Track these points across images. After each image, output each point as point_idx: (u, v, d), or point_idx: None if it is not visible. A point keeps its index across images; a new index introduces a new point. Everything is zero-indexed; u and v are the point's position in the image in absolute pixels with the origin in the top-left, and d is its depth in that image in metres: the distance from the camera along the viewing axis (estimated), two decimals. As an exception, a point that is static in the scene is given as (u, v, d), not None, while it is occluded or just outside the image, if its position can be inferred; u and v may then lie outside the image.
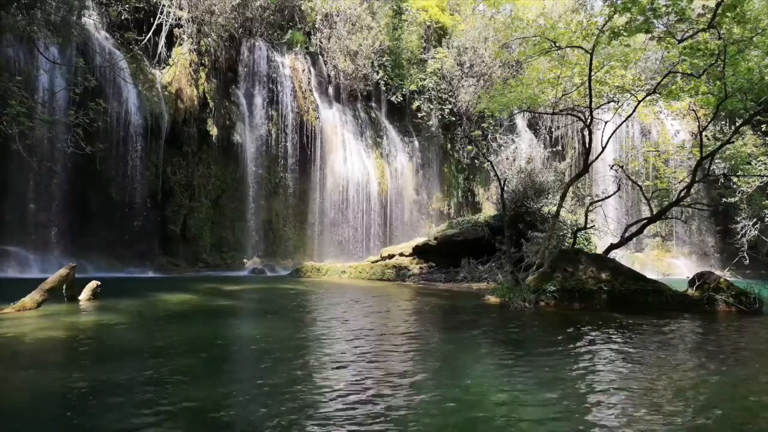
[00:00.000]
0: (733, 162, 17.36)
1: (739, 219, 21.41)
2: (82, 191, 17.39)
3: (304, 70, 23.74)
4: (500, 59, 24.53)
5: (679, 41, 10.98)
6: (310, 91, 23.73)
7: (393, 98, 25.94)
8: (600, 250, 14.00)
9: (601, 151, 13.80)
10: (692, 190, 13.70)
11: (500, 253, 16.75)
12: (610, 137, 13.57)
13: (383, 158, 25.35)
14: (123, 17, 19.08)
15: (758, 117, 13.31)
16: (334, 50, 24.20)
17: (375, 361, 5.35)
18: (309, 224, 23.37)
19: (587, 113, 12.94)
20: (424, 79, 26.14)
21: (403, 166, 25.92)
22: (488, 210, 24.66)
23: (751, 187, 18.24)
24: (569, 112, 15.57)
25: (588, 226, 14.01)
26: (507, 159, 22.13)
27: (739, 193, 18.97)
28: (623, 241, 12.81)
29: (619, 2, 10.44)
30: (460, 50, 26.32)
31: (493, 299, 10.77)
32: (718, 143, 13.75)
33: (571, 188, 16.53)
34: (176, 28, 20.31)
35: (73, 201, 17.23)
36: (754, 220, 20.66)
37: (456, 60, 26.21)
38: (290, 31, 24.13)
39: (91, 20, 18.16)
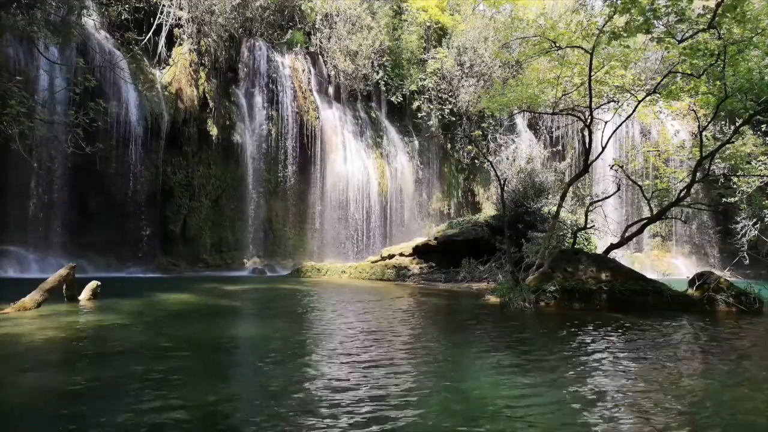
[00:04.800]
0: (733, 162, 17.33)
1: (739, 219, 21.39)
2: (82, 191, 17.37)
3: (304, 70, 23.73)
4: (500, 59, 24.50)
5: (679, 41, 10.98)
6: (310, 91, 23.72)
7: (393, 98, 25.92)
8: (600, 250, 14.00)
9: (601, 151, 13.80)
10: (692, 190, 13.69)
11: (500, 253, 16.76)
12: (610, 137, 13.57)
13: (383, 158, 25.34)
14: (123, 17, 19.05)
15: (758, 117, 13.28)
16: (334, 50, 24.19)
17: (374, 361, 5.35)
18: (309, 224, 23.36)
19: (587, 113, 12.94)
20: (424, 79, 26.12)
21: (403, 166, 25.91)
22: (488, 210, 24.64)
23: (751, 187, 18.21)
24: (569, 112, 15.56)
25: (588, 226, 14.01)
26: (507, 159, 22.16)
27: (739, 193, 18.95)
28: (623, 241, 12.81)
29: (619, 2, 10.44)
30: (460, 50, 26.29)
31: (493, 299, 10.77)
32: (718, 143, 13.75)
33: (571, 188, 16.53)
34: (176, 28, 20.30)
35: (73, 201, 17.21)
36: (754, 220, 20.64)
37: (456, 60, 26.18)
38: (290, 31, 24.12)
39: (91, 20, 18.13)
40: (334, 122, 24.15)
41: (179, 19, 20.16)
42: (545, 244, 13.14)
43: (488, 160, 16.73)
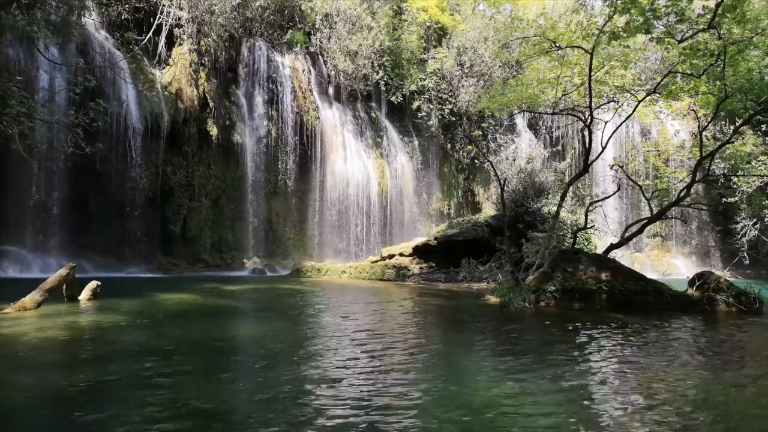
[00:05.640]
0: (733, 162, 17.33)
1: (739, 219, 21.39)
2: (82, 191, 17.37)
3: (304, 70, 23.72)
4: (500, 59, 24.49)
5: (679, 42, 10.98)
6: (310, 91, 23.72)
7: (393, 98, 25.92)
8: (600, 250, 13.99)
9: (601, 151, 13.79)
10: (692, 190, 13.68)
11: (500, 253, 16.75)
12: (610, 137, 13.56)
13: (383, 158, 25.34)
14: (123, 17, 19.05)
15: (758, 117, 13.28)
16: (334, 50, 24.19)
17: (374, 362, 5.35)
18: (309, 224, 23.36)
19: (587, 113, 12.94)
20: (424, 79, 26.12)
21: (403, 166, 25.91)
22: (488, 210, 24.63)
23: (751, 187, 18.22)
24: (569, 112, 15.56)
25: (588, 226, 14.01)
26: (507, 159, 22.13)
27: (739, 193, 18.96)
28: (623, 241, 12.81)
29: (619, 2, 10.43)
30: (460, 50, 26.28)
31: (493, 299, 10.76)
32: (718, 143, 13.74)
33: (571, 188, 16.52)
34: (176, 28, 20.30)
35: (73, 201, 17.21)
36: (754, 220, 20.64)
37: (456, 60, 26.17)
38: (290, 31, 24.11)
39: (91, 20, 18.12)
40: (334, 122, 24.16)
41: (179, 19, 20.16)
42: (545, 244, 13.13)
43: (488, 160, 16.73)
